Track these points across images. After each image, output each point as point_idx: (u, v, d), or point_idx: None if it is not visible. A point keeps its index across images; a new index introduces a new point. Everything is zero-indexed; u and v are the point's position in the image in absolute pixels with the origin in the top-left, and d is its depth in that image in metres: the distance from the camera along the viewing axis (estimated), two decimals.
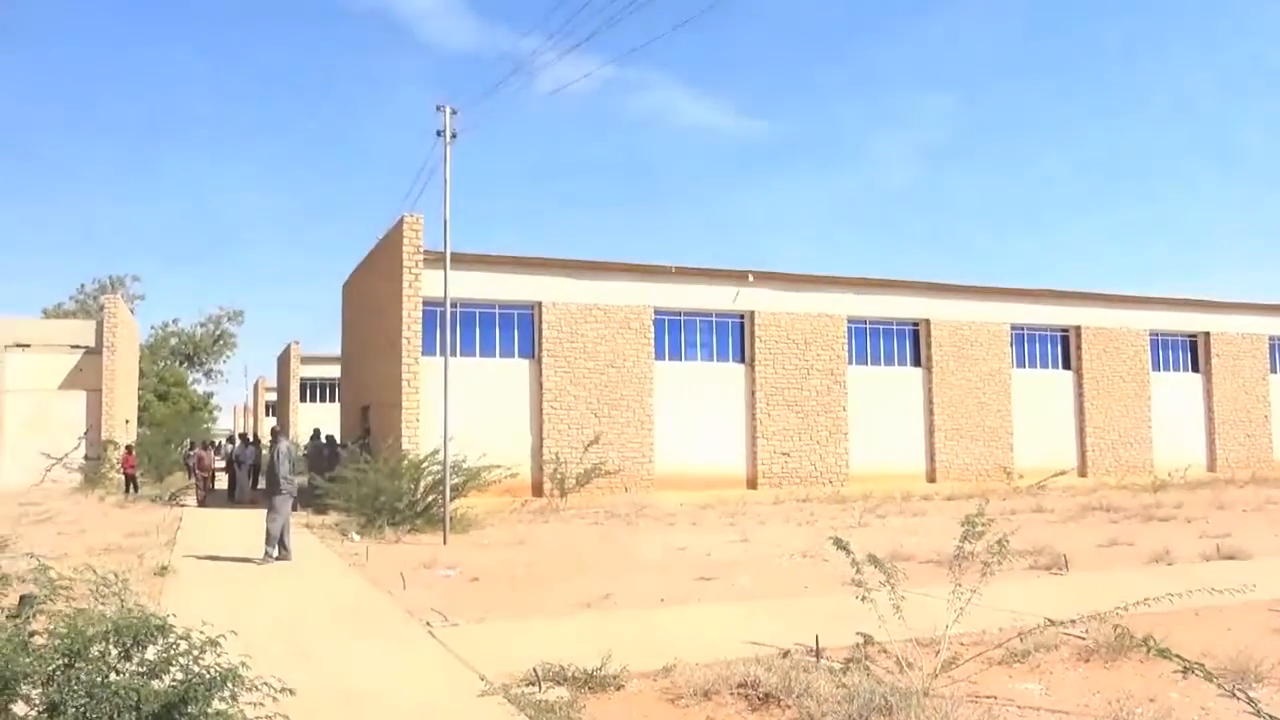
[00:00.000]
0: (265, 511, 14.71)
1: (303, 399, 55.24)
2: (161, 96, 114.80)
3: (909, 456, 28.36)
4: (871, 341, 28.86)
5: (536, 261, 25.26)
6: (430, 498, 19.35)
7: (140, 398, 45.83)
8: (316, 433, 28.16)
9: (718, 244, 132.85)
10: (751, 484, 26.72)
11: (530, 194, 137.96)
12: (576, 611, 10.31)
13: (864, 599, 7.60)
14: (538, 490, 24.51)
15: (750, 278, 27.02)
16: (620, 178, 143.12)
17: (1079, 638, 8.68)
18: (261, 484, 25.57)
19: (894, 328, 29.16)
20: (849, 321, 28.27)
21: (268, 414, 67.96)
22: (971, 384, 29.28)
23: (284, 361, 56.29)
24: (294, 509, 15.44)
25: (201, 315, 60.15)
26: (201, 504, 24.70)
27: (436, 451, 19.05)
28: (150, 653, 5.17)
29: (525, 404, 24.90)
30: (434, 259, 22.94)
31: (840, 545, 7.80)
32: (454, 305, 23.74)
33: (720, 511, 22.29)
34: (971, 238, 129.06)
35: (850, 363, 28.26)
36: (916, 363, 29.16)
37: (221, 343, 58.45)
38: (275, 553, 14.23)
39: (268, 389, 68.21)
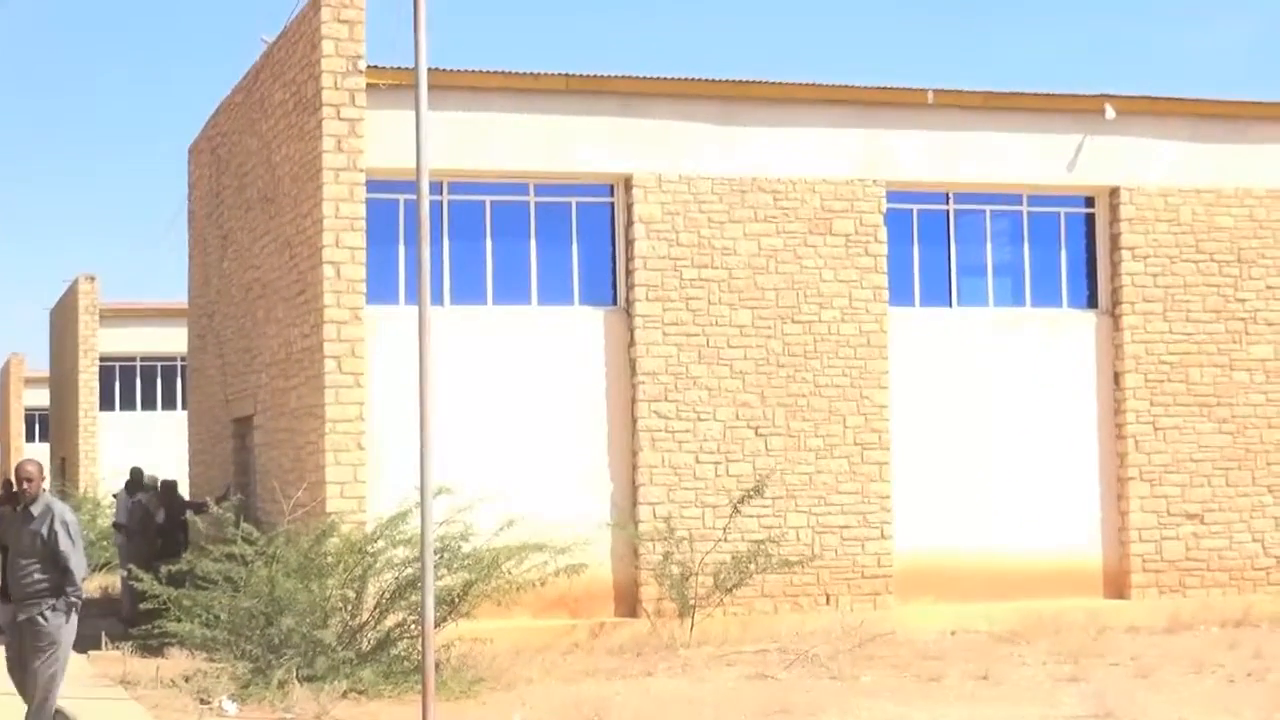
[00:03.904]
0: (8, 650, 14.90)
1: (105, 404, 56.37)
2: None
3: None
4: None
5: (620, 84, 25.24)
6: (392, 620, 19.56)
7: None
8: (136, 479, 28.68)
9: (1038, 55, 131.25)
10: (1115, 586, 26.48)
11: None
12: None
13: None
14: (628, 601, 24.65)
15: (1109, 110, 26.54)
16: None
17: None
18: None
19: None
20: None
21: (34, 436, 69.80)
22: None
23: (62, 321, 57.53)
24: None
25: None
26: None
27: (406, 515, 19.37)
28: None
29: (599, 408, 24.93)
30: (388, 84, 23.11)
31: None
32: (438, 187, 23.85)
33: (1044, 650, 22.16)
34: None
35: None
36: None
37: None
38: None
39: (32, 380, 70.00)
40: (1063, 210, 27.12)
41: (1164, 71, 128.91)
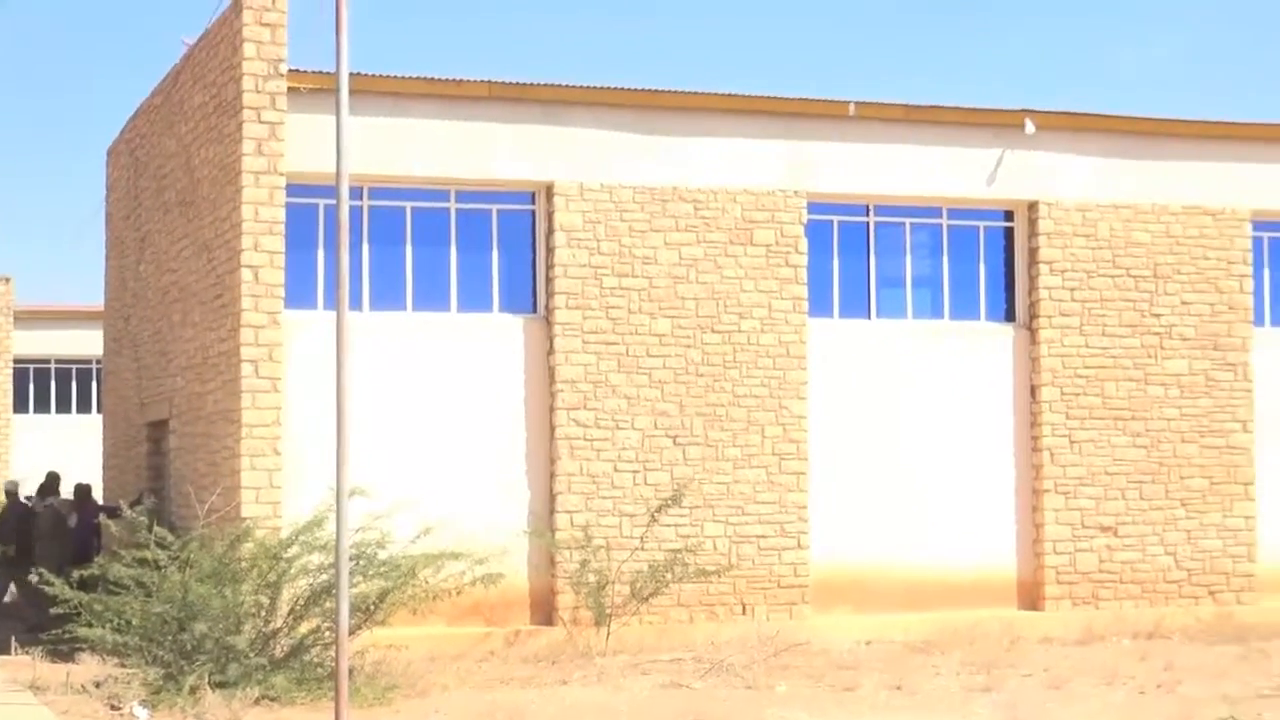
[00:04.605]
0: None
1: (19, 407, 55.87)
2: None
3: None
4: None
5: (542, 92, 25.20)
6: (306, 627, 19.60)
7: None
8: (51, 482, 28.51)
9: (953, 67, 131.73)
10: (1029, 597, 26.59)
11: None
12: None
13: None
14: (544, 609, 24.61)
15: (1029, 124, 26.66)
16: None
17: None
18: None
19: None
20: (1255, 224, 27.88)
21: None
22: None
23: None
24: None
25: None
26: None
27: (321, 521, 19.37)
28: None
29: (518, 415, 24.84)
30: (309, 88, 22.93)
31: None
32: (358, 193, 23.73)
33: (958, 660, 22.25)
34: None
35: (1262, 321, 27.89)
36: None
37: None
38: None
39: None
40: (982, 224, 27.20)
41: (1099, 86, 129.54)
